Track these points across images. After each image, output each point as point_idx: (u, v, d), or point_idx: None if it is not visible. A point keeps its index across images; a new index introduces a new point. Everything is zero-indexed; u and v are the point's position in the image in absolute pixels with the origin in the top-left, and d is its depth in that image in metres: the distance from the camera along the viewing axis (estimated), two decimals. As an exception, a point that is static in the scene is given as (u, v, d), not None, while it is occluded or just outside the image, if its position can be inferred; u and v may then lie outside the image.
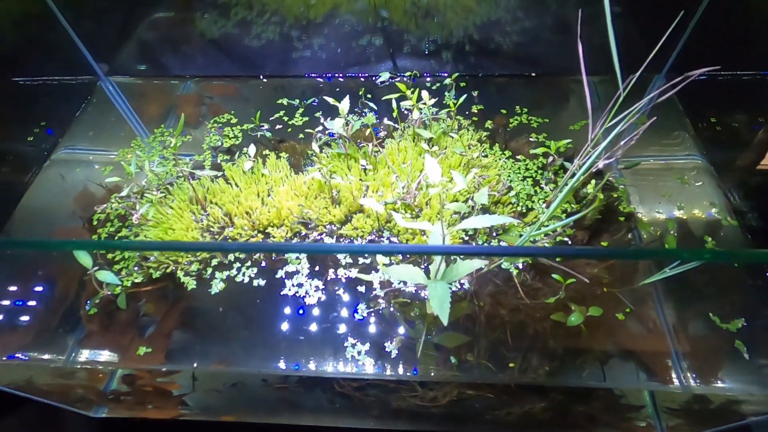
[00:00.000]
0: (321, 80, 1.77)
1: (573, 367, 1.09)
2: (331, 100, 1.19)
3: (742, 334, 1.09)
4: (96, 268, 1.12)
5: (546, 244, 1.22)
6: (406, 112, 1.54)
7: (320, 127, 1.33)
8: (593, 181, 1.25)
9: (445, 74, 1.74)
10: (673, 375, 1.07)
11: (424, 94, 1.24)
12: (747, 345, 1.07)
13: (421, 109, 1.25)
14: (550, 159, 1.32)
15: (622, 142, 1.10)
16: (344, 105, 1.20)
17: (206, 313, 1.18)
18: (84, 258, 1.10)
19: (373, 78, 1.73)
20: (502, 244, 1.22)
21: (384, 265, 1.07)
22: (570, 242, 1.24)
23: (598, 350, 1.12)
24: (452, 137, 1.42)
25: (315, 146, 1.24)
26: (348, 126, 1.26)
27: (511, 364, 1.08)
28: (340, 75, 1.77)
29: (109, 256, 1.28)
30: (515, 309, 1.17)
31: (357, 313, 1.13)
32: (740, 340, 1.07)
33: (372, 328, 1.12)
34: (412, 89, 1.30)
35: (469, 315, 1.16)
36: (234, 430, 1.47)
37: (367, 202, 1.13)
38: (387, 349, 1.08)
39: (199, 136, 1.57)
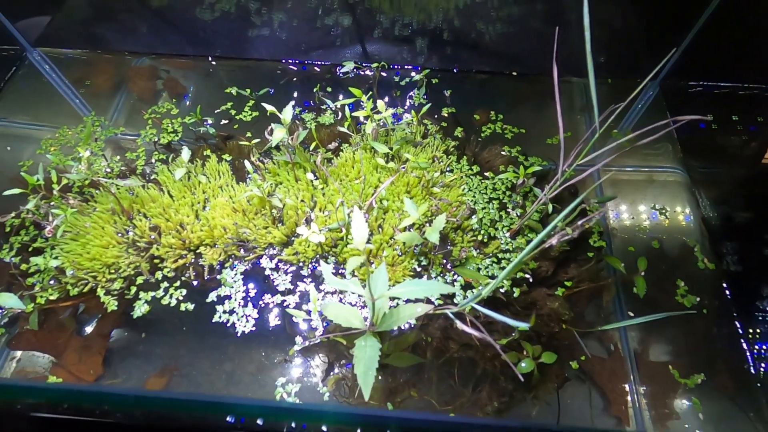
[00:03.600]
0: (280, 65, 1.58)
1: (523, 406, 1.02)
2: (269, 108, 1.03)
3: (700, 391, 1.01)
4: (-4, 291, 0.99)
5: (504, 282, 1.11)
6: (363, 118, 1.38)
7: (257, 140, 1.15)
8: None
9: (418, 67, 1.55)
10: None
11: (380, 104, 1.08)
12: (703, 404, 0.99)
13: (377, 121, 1.09)
14: (520, 181, 1.18)
15: (590, 169, 0.97)
16: (287, 114, 1.04)
17: (126, 334, 1.07)
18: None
19: (336, 68, 1.54)
20: (458, 278, 1.11)
21: (318, 301, 0.96)
22: (530, 278, 1.13)
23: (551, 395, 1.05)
24: (415, 148, 1.27)
25: (248, 164, 1.08)
26: (293, 135, 1.11)
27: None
28: (301, 61, 1.58)
29: (23, 266, 1.15)
30: (466, 345, 1.09)
31: (292, 347, 1.03)
32: (697, 397, 1.00)
33: (307, 364, 1.03)
34: (370, 89, 1.13)
35: (415, 349, 1.07)
36: None
37: (305, 231, 1.00)
38: (320, 391, 0.99)
39: (135, 123, 1.40)
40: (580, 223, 0.78)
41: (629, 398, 1.04)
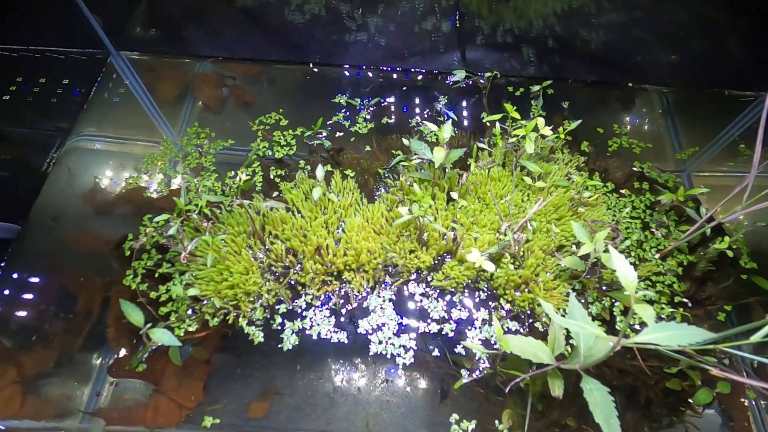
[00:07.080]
0: (380, 73, 1.50)
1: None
2: (433, 127, 0.97)
3: None
4: (149, 325, 0.91)
5: (664, 307, 1.08)
6: (494, 127, 1.31)
7: (416, 159, 1.08)
8: (726, 238, 1.09)
9: (525, 75, 1.50)
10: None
11: (540, 122, 1.03)
12: None
13: (534, 140, 1.04)
14: (664, 200, 1.15)
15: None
16: (446, 132, 0.98)
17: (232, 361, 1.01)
18: (134, 315, 0.90)
19: (448, 77, 1.47)
20: (616, 303, 1.08)
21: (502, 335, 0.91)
22: (688, 302, 1.10)
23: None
24: (547, 164, 1.23)
25: (416, 187, 1.02)
26: (446, 152, 1.05)
27: None
28: (402, 69, 1.50)
29: (152, 294, 1.07)
30: (623, 372, 1.06)
31: (458, 380, 0.99)
32: None
33: (475, 399, 0.98)
34: (481, 99, 1.06)
35: (569, 376, 1.03)
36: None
37: (476, 258, 0.95)
38: (499, 428, 0.95)
39: (235, 133, 1.32)
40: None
41: (749, 414, 1.03)
